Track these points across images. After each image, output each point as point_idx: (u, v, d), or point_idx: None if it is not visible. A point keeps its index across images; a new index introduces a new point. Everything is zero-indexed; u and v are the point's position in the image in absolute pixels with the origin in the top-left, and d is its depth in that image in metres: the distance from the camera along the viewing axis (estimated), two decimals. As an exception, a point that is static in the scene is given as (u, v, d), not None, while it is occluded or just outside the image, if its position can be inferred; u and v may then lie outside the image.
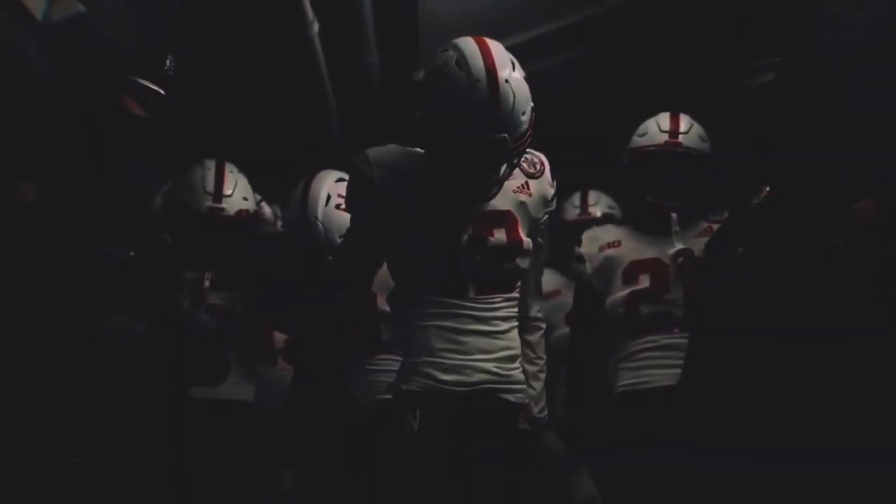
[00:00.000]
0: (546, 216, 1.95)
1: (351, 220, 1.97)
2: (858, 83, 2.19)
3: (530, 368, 1.97)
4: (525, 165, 1.90)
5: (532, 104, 1.78)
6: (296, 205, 2.41)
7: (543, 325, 2.05)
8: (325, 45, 3.20)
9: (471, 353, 1.83)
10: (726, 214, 2.32)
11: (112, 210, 2.06)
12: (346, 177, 2.44)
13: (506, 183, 1.85)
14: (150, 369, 1.99)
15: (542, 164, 1.93)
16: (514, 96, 1.72)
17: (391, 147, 1.91)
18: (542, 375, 2.00)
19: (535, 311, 2.02)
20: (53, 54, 2.44)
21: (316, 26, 3.04)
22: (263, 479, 2.45)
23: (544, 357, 2.02)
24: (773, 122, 1.91)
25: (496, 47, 1.78)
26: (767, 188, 1.93)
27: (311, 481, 2.30)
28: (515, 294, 1.91)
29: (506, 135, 1.72)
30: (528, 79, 1.76)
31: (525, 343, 1.97)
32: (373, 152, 1.86)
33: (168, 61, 2.19)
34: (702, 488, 1.98)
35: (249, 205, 2.55)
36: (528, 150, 1.86)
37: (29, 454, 1.78)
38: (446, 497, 1.82)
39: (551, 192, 1.93)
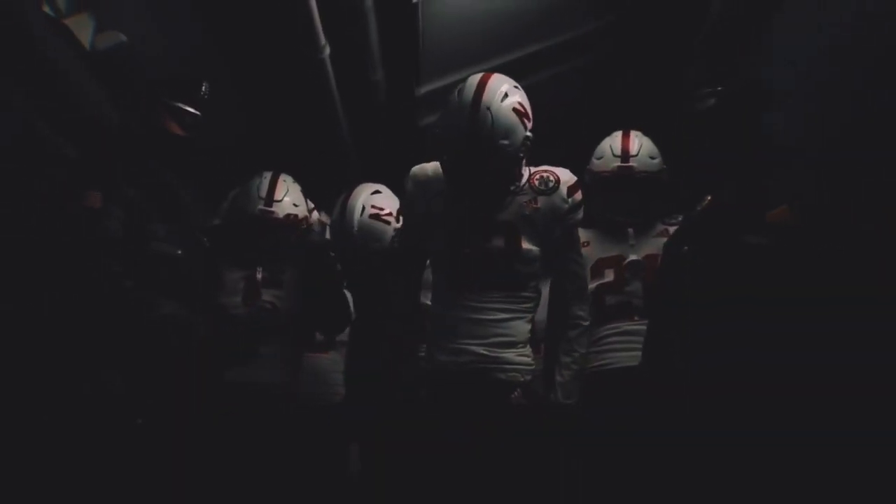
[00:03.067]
0: (563, 227, 2.11)
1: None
2: (788, 109, 2.39)
3: (564, 359, 2.14)
4: (537, 182, 2.10)
5: (524, 133, 2.02)
6: (337, 215, 2.70)
7: (584, 323, 2.16)
8: (336, 66, 3.38)
9: (463, 338, 2.04)
10: (680, 217, 2.49)
11: (161, 214, 2.30)
12: (382, 189, 2.77)
13: (516, 198, 2.09)
14: (193, 348, 2.25)
15: (557, 181, 2.10)
16: (493, 121, 1.99)
17: (431, 164, 2.17)
18: (575, 367, 2.13)
19: (575, 310, 2.15)
20: (106, 82, 2.74)
21: (327, 49, 3.23)
22: (310, 456, 2.70)
23: (581, 350, 2.15)
24: (712, 139, 2.15)
25: (496, 82, 2.05)
26: (709, 197, 2.16)
27: (373, 455, 2.54)
28: (525, 293, 2.08)
29: (482, 144, 1.98)
30: (521, 110, 2.01)
31: (563, 338, 2.15)
32: (414, 169, 2.17)
33: (203, 87, 2.44)
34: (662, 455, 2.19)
35: (300, 210, 2.73)
36: (547, 168, 2.11)
37: (96, 416, 2.08)
38: (449, 459, 2.04)
39: (565, 207, 2.09)
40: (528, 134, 2.06)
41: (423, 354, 2.22)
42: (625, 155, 2.54)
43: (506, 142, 2.01)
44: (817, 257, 1.95)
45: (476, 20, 3.45)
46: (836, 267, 1.94)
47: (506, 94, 2.03)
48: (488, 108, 2.00)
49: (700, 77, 2.31)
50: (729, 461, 1.99)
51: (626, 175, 2.53)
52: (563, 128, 3.52)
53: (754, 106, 2.18)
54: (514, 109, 2.03)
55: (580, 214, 2.16)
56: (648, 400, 2.27)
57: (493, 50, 3.64)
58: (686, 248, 2.19)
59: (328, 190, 3.10)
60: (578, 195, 2.13)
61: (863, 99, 2.30)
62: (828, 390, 1.94)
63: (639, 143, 2.57)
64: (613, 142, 2.59)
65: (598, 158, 2.60)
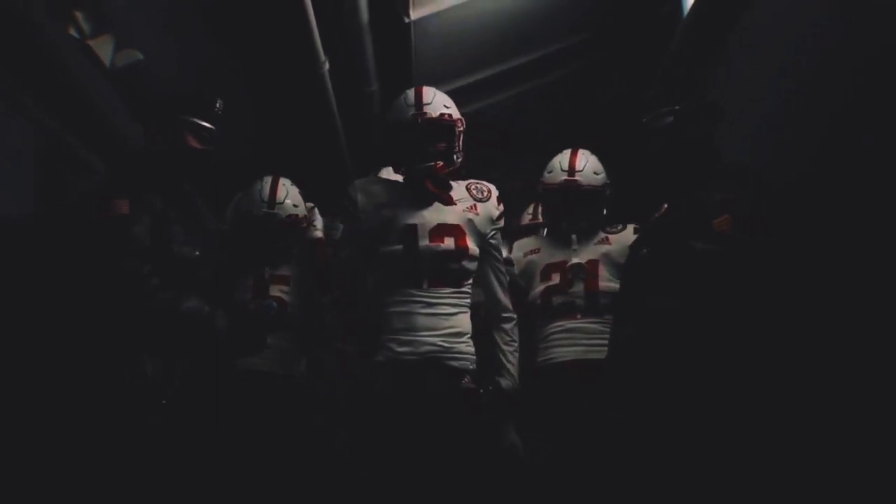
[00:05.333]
0: (494, 231, 2.40)
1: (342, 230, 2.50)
2: (738, 129, 2.64)
3: (507, 348, 2.43)
4: (474, 192, 2.41)
5: (460, 116, 2.35)
6: None
7: (514, 316, 2.45)
8: (334, 79, 3.60)
9: (420, 330, 2.27)
10: (619, 226, 2.78)
11: (180, 220, 2.50)
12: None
13: (457, 205, 2.37)
14: (213, 339, 2.45)
15: (489, 192, 2.43)
16: (435, 94, 2.36)
17: (374, 178, 2.50)
18: (517, 354, 2.43)
19: (504, 306, 2.45)
20: (128, 99, 2.98)
21: (327, 65, 3.46)
22: (313, 432, 2.86)
23: (517, 340, 2.44)
24: (668, 154, 2.39)
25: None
26: (665, 206, 2.41)
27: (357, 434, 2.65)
28: (465, 289, 2.34)
29: (427, 112, 2.31)
30: (459, 108, 2.37)
31: (501, 330, 2.43)
32: (359, 182, 2.45)
33: (217, 104, 2.61)
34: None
35: (299, 211, 2.93)
36: (478, 181, 2.43)
37: (129, 398, 2.32)
38: (409, 441, 2.23)
39: (496, 213, 2.40)
40: (462, 119, 2.38)
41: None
42: (571, 170, 2.79)
43: (448, 110, 2.35)
44: (753, 261, 2.17)
45: (463, 38, 3.69)
46: (769, 270, 2.18)
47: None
48: (430, 88, 2.38)
49: (659, 96, 2.52)
50: (682, 448, 2.21)
51: (571, 188, 2.78)
52: (537, 138, 3.78)
53: (706, 124, 2.41)
54: (450, 98, 2.40)
55: (503, 223, 2.47)
56: (591, 389, 2.53)
57: (478, 64, 3.91)
58: (644, 251, 2.48)
59: (327, 192, 3.33)
60: (503, 206, 2.44)
61: (819, 119, 2.45)
62: (767, 382, 2.15)
63: (585, 160, 2.81)
64: (563, 158, 2.83)
65: (549, 172, 2.84)
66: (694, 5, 3.23)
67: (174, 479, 2.35)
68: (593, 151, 2.93)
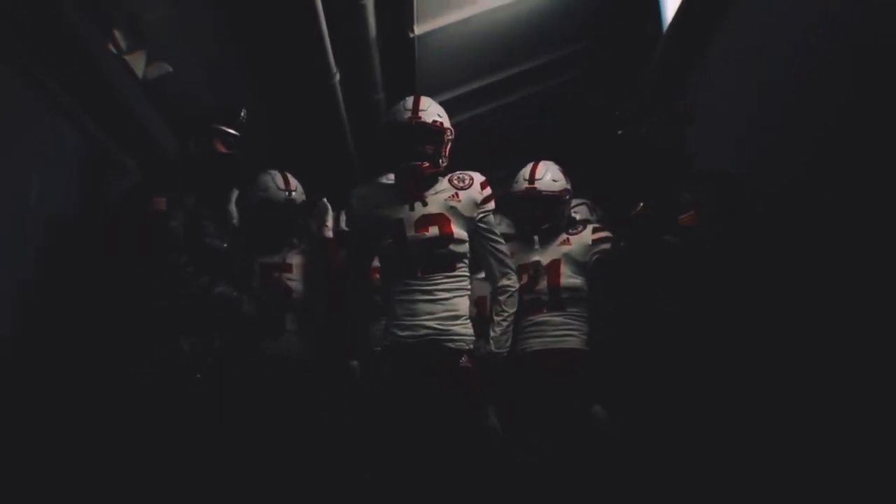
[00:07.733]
0: (482, 213, 2.58)
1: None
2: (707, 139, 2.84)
3: (496, 318, 2.63)
4: (455, 181, 2.61)
5: (450, 125, 2.54)
6: None
7: (511, 288, 2.63)
8: (344, 88, 3.84)
9: (418, 315, 2.46)
10: (580, 227, 3.04)
11: (211, 215, 2.76)
12: None
13: (439, 195, 2.56)
14: (241, 320, 2.73)
15: (471, 179, 2.61)
16: (431, 104, 2.57)
17: (367, 184, 2.70)
18: (505, 323, 2.62)
19: (502, 281, 2.64)
20: (164, 111, 3.25)
21: (338, 76, 3.70)
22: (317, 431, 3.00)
23: (510, 310, 2.63)
24: (642, 160, 2.66)
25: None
26: (641, 204, 2.65)
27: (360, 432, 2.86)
28: (458, 273, 2.51)
29: (421, 117, 2.52)
30: (460, 114, 2.59)
31: (496, 301, 2.64)
32: (356, 189, 2.68)
33: (242, 113, 2.87)
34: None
35: (304, 200, 3.17)
36: (461, 171, 2.62)
37: (168, 372, 2.57)
38: (413, 413, 2.42)
39: (480, 197, 2.58)
40: (452, 129, 2.61)
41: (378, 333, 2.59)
42: (532, 179, 3.06)
43: (441, 119, 2.57)
44: (713, 251, 2.43)
45: (462, 51, 3.95)
46: (728, 259, 2.43)
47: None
48: (427, 98, 2.62)
49: (635, 108, 2.77)
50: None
51: (532, 194, 3.06)
52: (534, 141, 4.04)
53: (677, 132, 2.67)
54: (446, 114, 2.62)
55: (492, 205, 2.65)
56: (558, 376, 2.79)
57: (477, 74, 4.17)
58: (622, 243, 2.75)
59: (335, 191, 3.58)
60: (488, 189, 2.63)
61: (810, 123, 2.54)
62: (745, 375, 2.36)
63: (545, 170, 3.09)
64: (526, 169, 3.12)
65: (515, 182, 3.13)
66: (674, 18, 3.46)
67: (181, 474, 2.50)
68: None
